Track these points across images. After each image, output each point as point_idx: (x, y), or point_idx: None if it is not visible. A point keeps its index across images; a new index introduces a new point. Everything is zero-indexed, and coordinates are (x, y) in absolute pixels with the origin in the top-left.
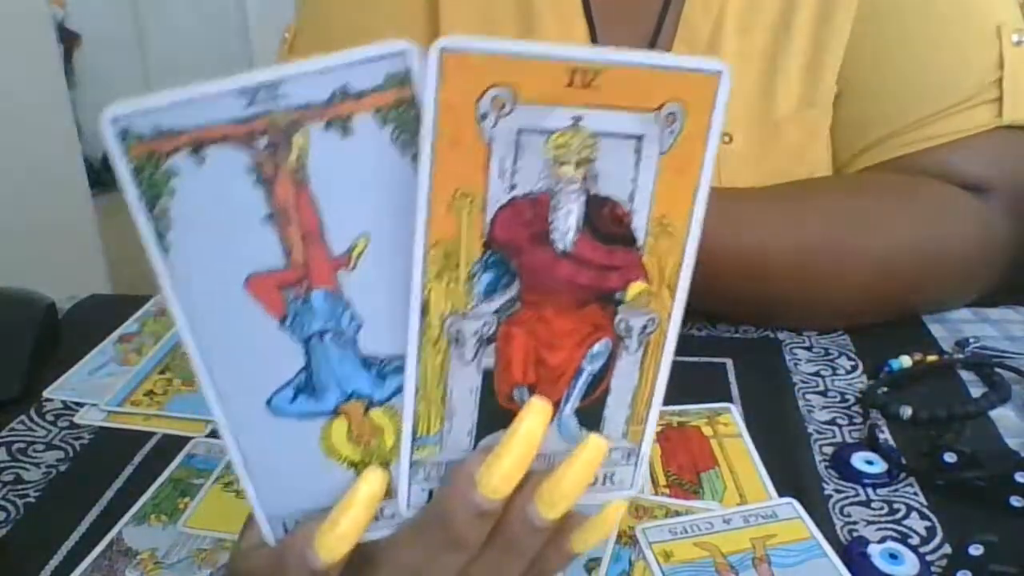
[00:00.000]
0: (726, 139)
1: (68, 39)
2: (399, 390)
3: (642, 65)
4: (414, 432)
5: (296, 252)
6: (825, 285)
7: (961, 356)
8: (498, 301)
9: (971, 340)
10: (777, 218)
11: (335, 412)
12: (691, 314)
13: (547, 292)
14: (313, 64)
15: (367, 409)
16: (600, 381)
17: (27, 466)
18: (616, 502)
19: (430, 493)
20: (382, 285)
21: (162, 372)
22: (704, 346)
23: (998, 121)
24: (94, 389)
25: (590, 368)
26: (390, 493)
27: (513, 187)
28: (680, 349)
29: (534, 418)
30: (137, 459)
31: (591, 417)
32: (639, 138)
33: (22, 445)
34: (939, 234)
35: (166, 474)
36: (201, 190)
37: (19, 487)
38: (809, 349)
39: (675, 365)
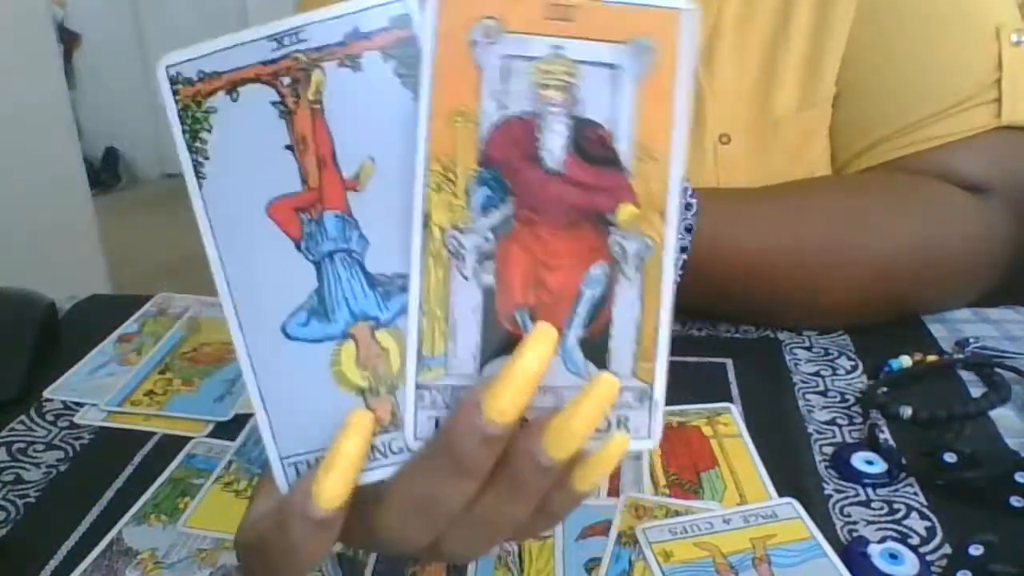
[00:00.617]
0: (724, 139)
1: (68, 39)
2: (403, 309)
3: (615, 2)
4: (419, 351)
5: (312, 178)
6: (825, 285)
7: (961, 356)
8: (494, 217)
9: (971, 340)
10: (777, 219)
11: (344, 336)
12: (691, 314)
13: (540, 210)
14: (330, 11)
15: (373, 331)
16: (601, 308)
17: (27, 466)
18: (618, 435)
19: (436, 423)
20: (387, 206)
21: (162, 372)
22: (704, 346)
23: (997, 122)
24: (94, 389)
25: (590, 292)
26: (396, 425)
27: (504, 107)
28: (680, 349)
29: (539, 341)
30: (137, 459)
31: (596, 350)
32: (614, 67)
33: (22, 445)
34: (939, 234)
35: (166, 474)
36: (234, 124)
37: (19, 487)
38: (809, 349)
39: (675, 365)
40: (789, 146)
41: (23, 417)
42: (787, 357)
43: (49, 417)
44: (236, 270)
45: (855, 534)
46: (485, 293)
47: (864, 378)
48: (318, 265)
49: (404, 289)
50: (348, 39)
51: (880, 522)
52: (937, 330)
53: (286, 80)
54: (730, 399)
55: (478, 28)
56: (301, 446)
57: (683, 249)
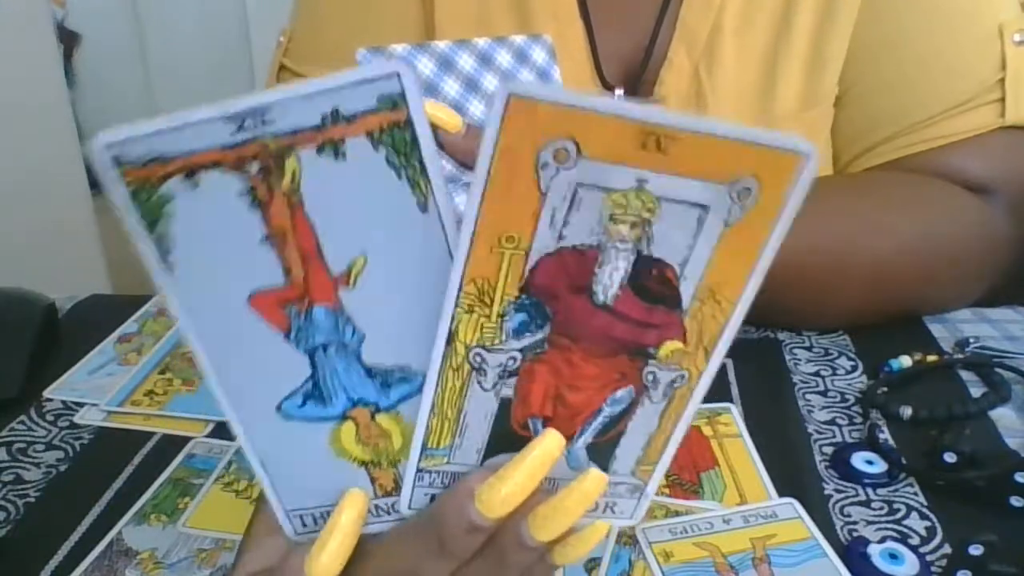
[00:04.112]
0: None
1: (68, 39)
2: (404, 398)
3: (724, 136)
4: (424, 443)
5: (295, 270)
6: (830, 286)
7: (961, 356)
8: (527, 340)
9: (971, 340)
10: None
11: (343, 417)
12: None
13: (578, 339)
14: (302, 88)
15: (373, 415)
16: (617, 423)
17: (27, 466)
18: (599, 523)
19: (432, 498)
20: (383, 301)
21: (162, 372)
22: None
23: (1001, 122)
24: (94, 389)
25: (609, 411)
26: (394, 492)
27: (562, 238)
28: None
29: (545, 448)
30: (137, 459)
31: (603, 453)
32: (705, 208)
33: (22, 445)
34: (942, 234)
35: (166, 474)
36: (198, 213)
37: (19, 487)
38: (809, 349)
39: None
40: None
41: (23, 417)
42: (787, 357)
43: (49, 417)
44: (222, 357)
45: (855, 534)
46: (501, 402)
47: (864, 378)
48: (311, 355)
49: (404, 380)
50: (327, 121)
51: (880, 522)
52: (937, 330)
53: (254, 167)
54: (730, 399)
55: (552, 150)
56: (306, 502)
57: None
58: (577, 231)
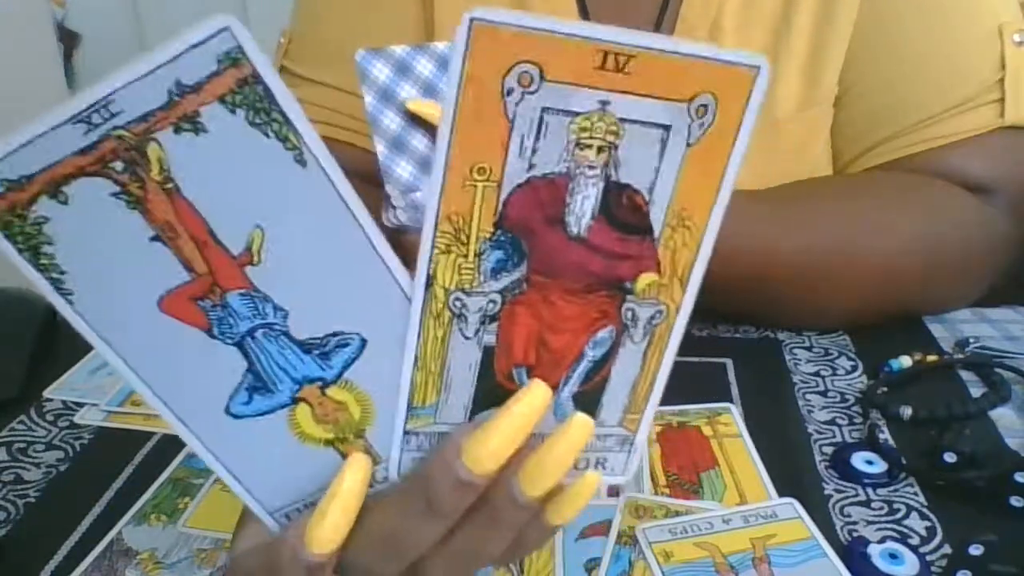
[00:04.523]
0: None
1: (68, 39)
2: (348, 364)
3: (678, 54)
4: (410, 401)
5: (196, 263)
6: (831, 287)
7: (961, 356)
8: (505, 280)
9: (971, 340)
10: (783, 221)
11: (294, 401)
12: (693, 313)
13: (556, 275)
14: (138, 68)
15: (323, 390)
16: (601, 367)
17: (27, 466)
18: (589, 474)
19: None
20: (293, 269)
21: None
22: (704, 346)
23: (1000, 122)
24: (94, 389)
25: (592, 354)
26: (375, 460)
27: (532, 167)
28: (680, 349)
29: (531, 399)
30: (137, 459)
31: (588, 402)
32: (667, 128)
33: (22, 445)
34: (942, 234)
35: (166, 474)
36: (76, 229)
37: (19, 487)
38: (809, 349)
39: (675, 365)
40: (790, 146)
41: (23, 417)
42: (787, 357)
43: (49, 417)
44: (151, 373)
45: (855, 534)
46: (484, 351)
47: (864, 378)
48: (240, 345)
49: (342, 344)
50: (173, 96)
51: (880, 522)
52: (937, 330)
53: (118, 165)
54: (730, 399)
55: (516, 74)
56: (286, 499)
57: None
58: (546, 158)
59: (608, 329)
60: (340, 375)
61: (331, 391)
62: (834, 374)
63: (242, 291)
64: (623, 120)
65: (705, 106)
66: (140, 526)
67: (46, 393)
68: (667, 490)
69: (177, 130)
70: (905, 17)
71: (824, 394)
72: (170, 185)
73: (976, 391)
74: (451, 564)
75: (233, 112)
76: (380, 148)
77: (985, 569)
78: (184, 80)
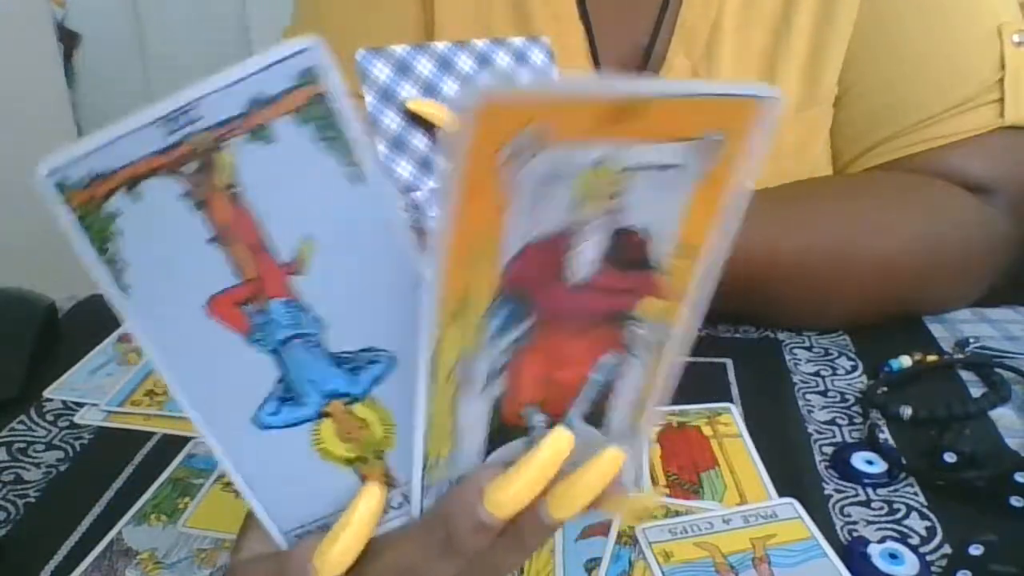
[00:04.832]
0: None
1: (68, 39)
2: (375, 382)
3: (693, 95)
4: (425, 461)
5: (247, 268)
6: (831, 287)
7: (961, 356)
8: (512, 335)
9: (971, 340)
10: (783, 221)
11: (320, 415)
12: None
13: (560, 320)
14: (222, 79)
15: (348, 406)
16: (608, 388)
17: (27, 466)
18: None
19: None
20: (337, 282)
21: None
22: (704, 346)
23: (1000, 122)
24: (94, 389)
25: (598, 378)
26: (393, 484)
27: (534, 228)
28: None
29: (555, 447)
30: (137, 459)
31: (596, 416)
32: (676, 167)
33: (22, 445)
34: (942, 234)
35: (166, 474)
36: (144, 226)
37: (19, 487)
38: (809, 349)
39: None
40: (790, 146)
41: (23, 417)
42: (787, 357)
43: (49, 417)
44: (188, 374)
45: (855, 534)
46: (494, 400)
47: (864, 378)
48: (275, 353)
49: (373, 362)
50: (250, 108)
51: (880, 522)
52: (937, 330)
53: (191, 167)
54: (730, 399)
55: (514, 144)
56: (301, 519)
57: None
58: (547, 218)
59: (611, 354)
60: (367, 392)
61: (356, 408)
62: (834, 374)
63: (285, 299)
64: (629, 168)
65: (717, 141)
66: (140, 526)
67: (46, 393)
68: (667, 490)
69: (249, 139)
70: (905, 17)
71: (824, 394)
72: (233, 190)
73: (976, 391)
74: None
75: (301, 126)
76: (380, 148)
77: (985, 569)
78: (263, 93)
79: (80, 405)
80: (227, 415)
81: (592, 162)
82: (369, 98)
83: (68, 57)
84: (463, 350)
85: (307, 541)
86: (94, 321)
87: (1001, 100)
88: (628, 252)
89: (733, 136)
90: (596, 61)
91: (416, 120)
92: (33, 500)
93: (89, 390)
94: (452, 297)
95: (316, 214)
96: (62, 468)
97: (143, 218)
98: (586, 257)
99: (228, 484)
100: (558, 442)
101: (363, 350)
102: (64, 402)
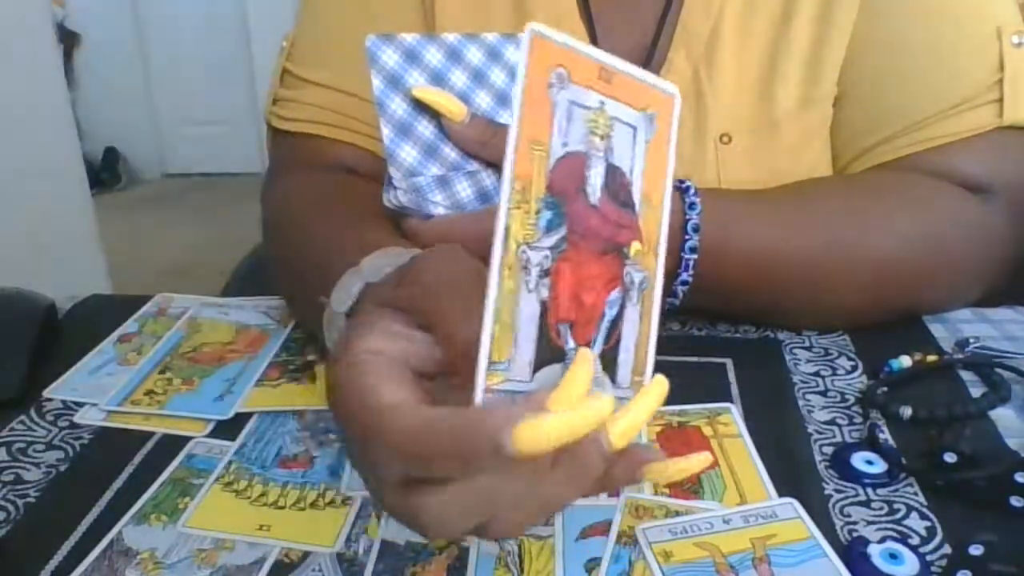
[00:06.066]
0: (725, 139)
1: (68, 39)
2: None
3: (633, 76)
4: (490, 356)
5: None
6: (830, 286)
7: (961, 356)
8: (553, 238)
9: (971, 340)
10: (782, 221)
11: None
12: (692, 314)
13: (583, 236)
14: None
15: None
16: (614, 328)
17: (27, 466)
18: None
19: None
20: None
21: (162, 372)
22: (704, 346)
23: (999, 122)
24: (94, 389)
25: (609, 314)
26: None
27: (565, 144)
28: (680, 349)
29: (598, 410)
30: (137, 459)
31: (609, 364)
32: (635, 127)
33: (22, 445)
34: (941, 234)
35: (166, 474)
36: None
37: (19, 487)
38: (809, 349)
39: (675, 365)
40: (790, 146)
41: (23, 417)
42: (787, 357)
43: (49, 417)
44: None
45: (855, 534)
46: (541, 305)
47: (864, 378)
48: None
49: None
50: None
51: (880, 522)
52: (937, 330)
53: None
54: (730, 399)
55: (555, 74)
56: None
57: (692, 249)
58: (574, 139)
59: (618, 291)
60: None
61: None
62: (834, 374)
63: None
64: (614, 118)
65: (651, 116)
66: (140, 526)
67: (46, 393)
68: (667, 490)
69: None
70: (905, 17)
71: (824, 394)
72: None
73: (976, 391)
74: (524, 516)
75: None
76: (386, 132)
77: (985, 569)
78: None
79: (80, 405)
80: None
81: (595, 104)
82: (377, 82)
83: (68, 57)
84: (524, 236)
85: (504, 409)
86: (94, 321)
87: (1000, 100)
88: (620, 189)
89: (661, 118)
90: None
91: (423, 107)
92: (33, 500)
93: (89, 390)
94: (519, 182)
95: None
96: (62, 468)
97: None
98: (595, 180)
99: (228, 484)
100: (602, 406)
101: None
102: (64, 402)
